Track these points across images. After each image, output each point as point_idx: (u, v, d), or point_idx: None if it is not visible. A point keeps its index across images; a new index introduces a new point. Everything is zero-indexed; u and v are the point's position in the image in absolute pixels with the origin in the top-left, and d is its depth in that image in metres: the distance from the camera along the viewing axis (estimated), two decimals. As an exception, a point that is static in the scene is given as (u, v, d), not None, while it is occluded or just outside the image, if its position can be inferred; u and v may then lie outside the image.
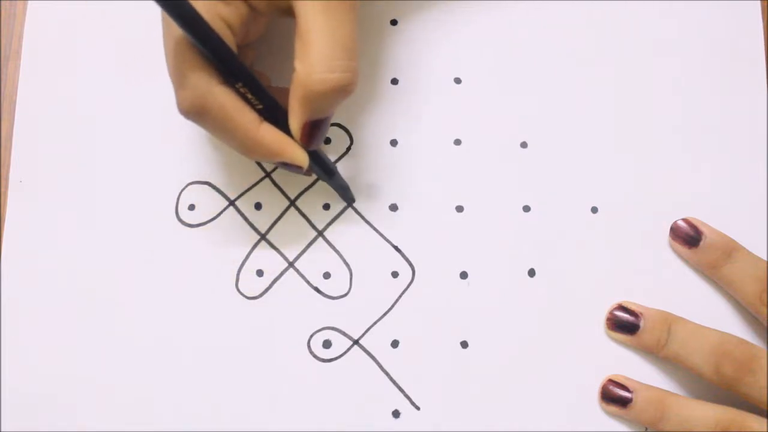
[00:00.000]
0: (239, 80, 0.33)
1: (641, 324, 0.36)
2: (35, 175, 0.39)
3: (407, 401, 0.37)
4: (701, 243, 0.37)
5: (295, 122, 0.33)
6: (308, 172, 0.36)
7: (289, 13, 0.33)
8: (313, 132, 0.34)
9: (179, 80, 0.33)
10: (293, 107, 0.33)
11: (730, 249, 0.36)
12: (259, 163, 0.39)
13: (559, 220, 0.38)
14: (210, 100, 0.32)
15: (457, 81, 0.40)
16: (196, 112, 0.33)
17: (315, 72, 0.32)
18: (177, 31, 0.32)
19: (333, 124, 0.39)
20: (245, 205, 0.38)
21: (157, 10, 0.40)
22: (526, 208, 0.38)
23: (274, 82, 0.38)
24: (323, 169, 0.36)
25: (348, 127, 0.39)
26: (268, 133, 0.34)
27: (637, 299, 0.37)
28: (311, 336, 0.37)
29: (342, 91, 0.32)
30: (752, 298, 0.35)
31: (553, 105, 0.39)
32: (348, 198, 0.38)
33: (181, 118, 0.39)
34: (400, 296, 0.38)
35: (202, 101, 0.32)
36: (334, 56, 0.32)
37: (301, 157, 0.34)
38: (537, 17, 0.40)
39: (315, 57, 0.32)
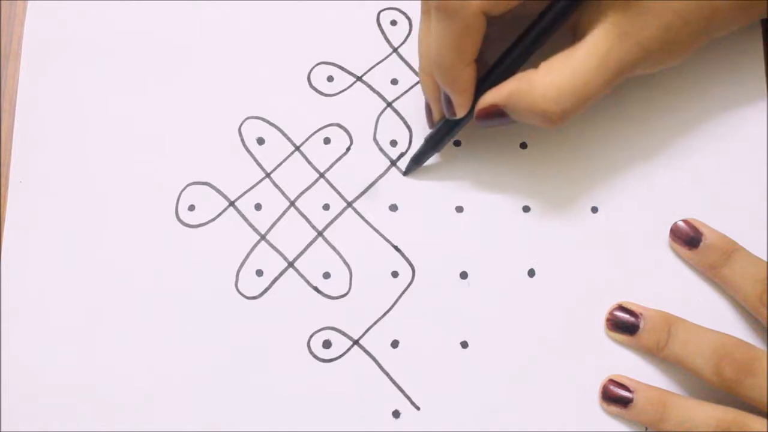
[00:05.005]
0: (531, 31, 0.34)
1: (641, 324, 0.36)
2: (35, 175, 0.39)
3: (407, 401, 0.37)
4: (701, 244, 0.37)
5: (493, 96, 0.35)
6: (432, 122, 0.38)
7: (578, 24, 0.35)
8: (492, 116, 0.35)
9: None
10: (504, 87, 0.34)
11: (730, 250, 0.36)
12: (259, 164, 0.39)
13: (559, 220, 0.38)
14: (474, 6, 0.33)
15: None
16: (457, 3, 0.33)
17: (546, 90, 0.33)
18: None
19: (333, 124, 0.39)
20: (245, 205, 0.38)
21: (156, 9, 0.40)
22: (526, 208, 0.38)
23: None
24: (438, 138, 0.37)
25: (348, 128, 0.39)
26: (472, 69, 0.34)
27: (637, 299, 0.37)
28: (311, 336, 0.37)
29: (544, 118, 0.34)
30: (752, 299, 0.35)
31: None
32: (408, 167, 0.39)
33: (181, 119, 0.39)
34: (400, 296, 0.38)
35: (472, 1, 0.32)
36: (571, 95, 0.33)
37: (465, 109, 0.35)
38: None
39: (559, 81, 0.33)
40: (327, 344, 0.37)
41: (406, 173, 0.39)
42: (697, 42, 0.35)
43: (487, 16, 0.33)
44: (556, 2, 0.33)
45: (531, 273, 0.38)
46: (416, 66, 0.40)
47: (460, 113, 0.36)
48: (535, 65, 0.34)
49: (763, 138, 0.39)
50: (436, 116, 0.37)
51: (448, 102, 0.35)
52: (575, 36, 0.35)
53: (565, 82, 0.33)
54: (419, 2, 0.40)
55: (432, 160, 0.39)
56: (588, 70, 0.33)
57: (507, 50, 0.35)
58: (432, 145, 0.38)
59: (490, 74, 0.35)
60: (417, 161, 0.38)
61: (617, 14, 0.33)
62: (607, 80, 0.34)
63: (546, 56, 0.34)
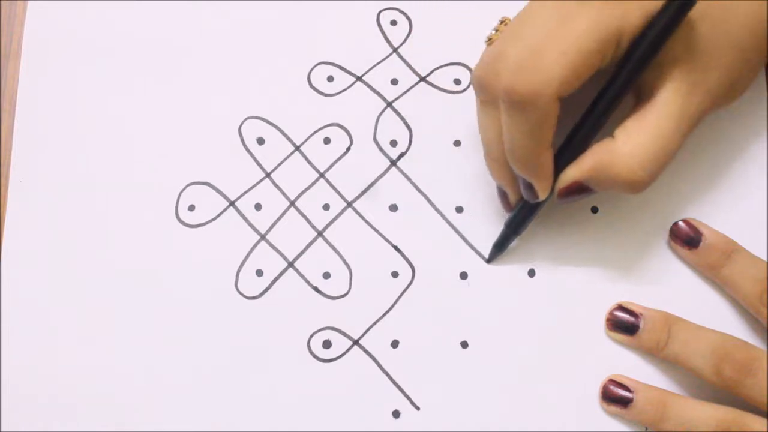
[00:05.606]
0: (601, 101, 0.33)
1: (641, 324, 0.36)
2: (35, 175, 0.39)
3: (407, 401, 0.37)
4: (701, 244, 0.37)
5: (574, 172, 0.34)
6: (508, 206, 0.36)
7: (642, 84, 0.34)
8: (575, 193, 0.34)
9: (542, 55, 0.31)
10: (585, 162, 0.33)
11: (730, 250, 0.36)
12: (259, 164, 0.39)
13: (559, 220, 0.38)
14: (548, 94, 0.31)
15: (457, 82, 0.40)
16: (532, 93, 0.31)
17: (631, 160, 0.32)
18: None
19: (333, 124, 0.39)
20: (245, 205, 0.38)
21: (156, 9, 0.40)
22: (526, 208, 0.38)
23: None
24: (519, 221, 0.36)
25: (347, 127, 0.39)
26: (550, 152, 0.33)
27: (637, 299, 0.37)
28: (311, 336, 0.37)
29: (632, 188, 0.33)
30: (752, 299, 0.35)
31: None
32: (491, 254, 0.38)
33: (181, 119, 0.39)
34: (400, 296, 0.38)
35: (545, 89, 0.31)
36: (655, 159, 0.33)
37: (547, 191, 0.34)
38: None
39: (641, 147, 0.32)
40: (327, 344, 0.37)
41: (489, 261, 0.38)
42: (756, 74, 0.35)
43: (561, 99, 0.32)
44: (621, 69, 0.33)
45: (531, 273, 0.38)
46: (416, 66, 0.40)
47: (543, 196, 0.34)
48: (608, 133, 0.34)
49: (763, 138, 0.39)
50: (513, 200, 0.36)
51: (529, 187, 0.34)
52: (640, 97, 0.34)
53: (647, 147, 0.33)
54: (419, 2, 0.40)
55: (432, 160, 0.39)
56: (667, 130, 0.33)
57: (578, 124, 0.34)
58: (513, 229, 0.37)
59: (564, 150, 0.34)
60: (500, 248, 0.37)
61: (682, 68, 0.33)
62: (685, 134, 0.33)
63: (613, 121, 0.34)
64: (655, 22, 0.32)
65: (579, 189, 0.34)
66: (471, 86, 0.39)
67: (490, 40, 0.35)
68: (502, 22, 0.35)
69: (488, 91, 0.33)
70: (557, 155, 0.34)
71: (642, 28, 0.32)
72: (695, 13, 0.32)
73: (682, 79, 0.33)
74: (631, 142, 0.33)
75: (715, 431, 0.33)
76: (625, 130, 0.33)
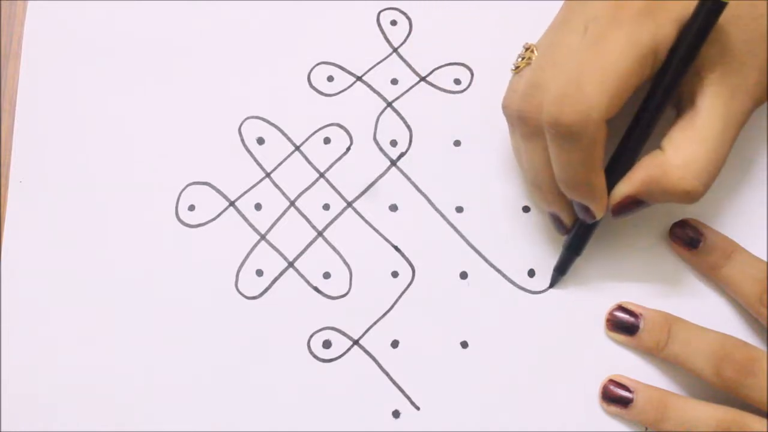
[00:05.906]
0: (644, 114, 0.33)
1: (641, 325, 0.36)
2: (35, 175, 0.39)
3: (407, 401, 0.37)
4: (701, 245, 0.37)
5: (626, 188, 0.33)
6: (564, 229, 0.36)
7: (681, 93, 0.33)
8: (630, 208, 0.34)
9: (583, 83, 0.31)
10: (635, 177, 0.33)
11: (730, 250, 0.36)
12: (259, 164, 0.39)
13: (559, 220, 0.38)
14: (595, 121, 0.31)
15: (457, 82, 0.40)
16: (579, 123, 0.31)
17: (684, 171, 0.32)
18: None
19: (333, 124, 0.39)
20: (245, 205, 0.38)
21: (156, 9, 0.40)
22: (526, 209, 0.38)
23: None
24: (578, 243, 0.36)
25: (346, 127, 0.39)
26: (602, 172, 0.33)
27: (637, 300, 0.37)
28: (311, 336, 0.37)
29: (688, 198, 0.33)
30: (752, 299, 0.35)
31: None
32: (553, 278, 0.38)
33: (181, 119, 0.39)
34: (400, 296, 0.38)
35: (592, 116, 0.31)
36: (708, 167, 0.32)
37: (603, 211, 0.34)
38: (535, 14, 0.40)
39: (692, 156, 0.32)
40: (327, 344, 0.37)
41: (551, 286, 0.37)
42: None
43: (608, 121, 0.32)
44: (660, 80, 0.32)
45: (531, 273, 0.38)
46: (416, 66, 0.40)
47: (599, 216, 0.34)
48: (652, 145, 0.34)
49: (763, 138, 0.39)
50: (569, 223, 0.36)
51: (585, 209, 0.34)
52: (680, 106, 0.34)
53: (698, 157, 0.32)
54: (419, 2, 0.40)
55: (432, 160, 0.39)
56: (715, 137, 0.32)
57: (624, 139, 0.34)
58: (574, 251, 0.37)
59: (613, 166, 0.34)
60: (561, 271, 0.37)
61: (720, 72, 0.32)
62: (733, 138, 0.33)
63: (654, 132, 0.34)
64: (688, 28, 0.31)
65: (632, 203, 0.34)
66: (471, 87, 0.39)
67: (517, 69, 0.34)
68: (527, 49, 0.34)
69: (530, 124, 0.33)
70: (607, 171, 0.34)
71: (676, 37, 0.32)
72: (725, 16, 0.31)
73: (721, 83, 0.32)
74: (681, 153, 0.33)
75: (715, 431, 0.33)
76: (673, 141, 0.33)
